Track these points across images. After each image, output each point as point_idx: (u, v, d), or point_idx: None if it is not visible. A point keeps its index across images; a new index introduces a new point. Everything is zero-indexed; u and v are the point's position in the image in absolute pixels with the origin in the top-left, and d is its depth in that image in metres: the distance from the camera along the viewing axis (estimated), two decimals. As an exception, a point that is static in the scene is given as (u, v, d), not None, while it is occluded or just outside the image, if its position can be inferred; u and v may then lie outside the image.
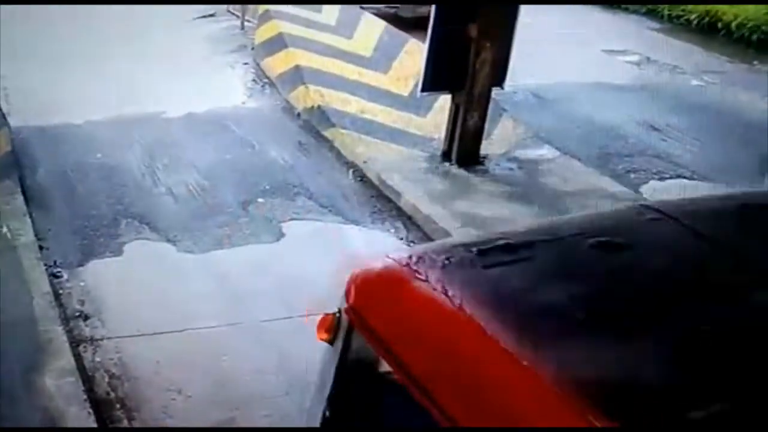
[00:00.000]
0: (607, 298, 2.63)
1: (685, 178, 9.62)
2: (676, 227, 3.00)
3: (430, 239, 8.20)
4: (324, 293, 7.16)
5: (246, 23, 14.42)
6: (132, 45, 12.84)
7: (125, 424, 5.83)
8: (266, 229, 8.30)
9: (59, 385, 5.85)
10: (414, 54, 11.02)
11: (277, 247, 8.06)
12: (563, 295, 2.58)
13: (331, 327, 3.05)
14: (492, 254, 2.78)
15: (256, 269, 7.64)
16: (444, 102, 9.81)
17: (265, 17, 12.81)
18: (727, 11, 15.46)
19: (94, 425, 5.58)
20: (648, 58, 14.25)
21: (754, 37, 14.95)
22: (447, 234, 8.03)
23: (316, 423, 3.04)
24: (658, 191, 9.17)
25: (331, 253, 8.01)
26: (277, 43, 12.17)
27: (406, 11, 14.16)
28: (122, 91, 11.45)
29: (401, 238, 8.32)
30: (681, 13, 16.41)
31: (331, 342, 3.06)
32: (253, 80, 12.22)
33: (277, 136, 10.42)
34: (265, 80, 12.10)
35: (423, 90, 9.40)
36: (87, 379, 6.12)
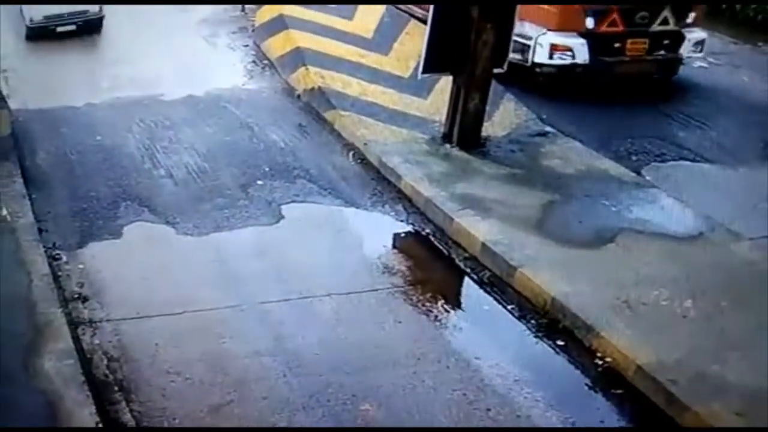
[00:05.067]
0: None
1: (687, 160, 9.55)
2: None
3: (430, 222, 8.19)
4: (323, 275, 7.26)
5: (246, 5, 14.32)
6: (130, 27, 12.76)
7: (123, 406, 5.82)
8: (266, 211, 8.27)
9: (58, 367, 5.85)
10: (415, 35, 10.95)
11: (277, 229, 8.03)
12: None
13: None
14: None
15: (255, 251, 7.63)
16: (445, 84, 9.74)
17: (266, -2, 12.74)
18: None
19: (93, 408, 5.56)
20: (652, 40, 14.09)
21: (759, 17, 14.80)
22: (447, 217, 8.01)
23: None
24: (661, 173, 9.10)
25: (330, 236, 8.01)
26: (278, 24, 12.09)
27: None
28: (121, 73, 11.40)
29: (401, 221, 8.28)
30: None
31: None
32: (253, 62, 12.17)
33: (277, 118, 10.37)
34: (266, 62, 12.05)
35: (424, 72, 9.33)
36: (86, 361, 6.11)
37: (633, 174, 8.94)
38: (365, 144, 9.43)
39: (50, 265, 7.15)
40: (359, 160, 9.34)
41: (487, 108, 9.44)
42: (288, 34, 11.74)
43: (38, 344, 6.09)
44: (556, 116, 10.18)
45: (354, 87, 10.57)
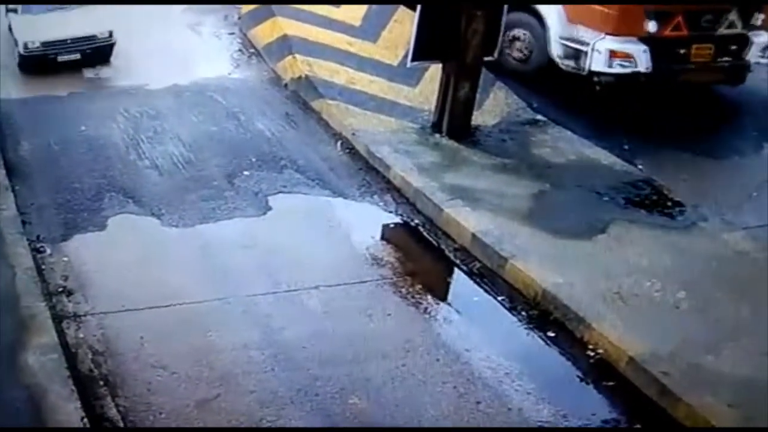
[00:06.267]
0: None
1: (680, 149, 9.47)
2: None
3: (419, 213, 8.11)
4: (311, 268, 7.18)
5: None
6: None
7: (109, 401, 5.76)
8: (252, 202, 8.18)
9: (42, 362, 5.80)
10: (404, 23, 10.84)
11: (264, 220, 7.94)
12: None
13: None
14: None
15: (242, 243, 7.54)
16: (435, 72, 9.65)
17: (253, -15, 12.59)
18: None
19: (78, 402, 5.51)
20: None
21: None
22: (437, 207, 7.94)
23: None
24: (654, 162, 9.03)
25: (318, 227, 7.93)
26: (265, 11, 11.96)
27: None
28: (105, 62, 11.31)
29: (390, 212, 8.20)
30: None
31: None
32: (240, 50, 12.01)
33: (264, 107, 10.26)
34: (252, 50, 11.91)
35: (413, 59, 9.22)
36: (70, 355, 6.04)
37: (625, 163, 8.87)
38: (353, 133, 9.34)
39: (34, 258, 7.09)
40: (347, 150, 9.24)
41: (477, 96, 9.35)
42: (275, 22, 11.62)
43: (22, 338, 6.04)
44: (546, 104, 10.11)
45: (342, 75, 10.46)
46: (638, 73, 9.64)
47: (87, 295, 6.79)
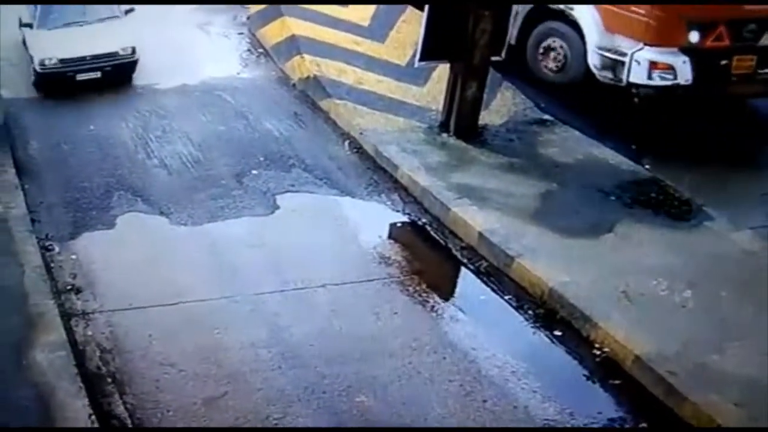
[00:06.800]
0: None
1: (686, 148, 9.44)
2: None
3: (427, 212, 8.12)
4: (318, 266, 7.20)
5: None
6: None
7: (117, 398, 5.79)
8: (261, 201, 8.20)
9: (50, 359, 5.83)
10: (412, 23, 10.85)
11: (272, 219, 7.97)
12: None
13: None
14: None
15: (250, 242, 7.56)
16: (442, 72, 9.66)
17: (261, -15, 12.61)
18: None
19: (85, 400, 5.54)
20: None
21: None
22: (444, 206, 7.95)
23: None
24: (660, 162, 9.01)
25: (326, 226, 7.95)
26: (273, 11, 11.98)
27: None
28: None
29: (398, 211, 8.21)
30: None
31: None
32: (248, 50, 12.02)
33: (272, 106, 10.28)
34: (260, 50, 11.92)
35: (421, 59, 9.23)
36: (78, 353, 6.08)
37: (632, 163, 8.85)
38: (361, 133, 9.35)
39: (43, 256, 7.13)
40: (355, 150, 9.26)
41: (485, 96, 9.35)
42: (283, 22, 11.64)
43: (30, 336, 6.08)
44: (553, 104, 10.09)
45: (350, 75, 10.47)
46: (678, 86, 9.22)
47: (95, 293, 6.82)
